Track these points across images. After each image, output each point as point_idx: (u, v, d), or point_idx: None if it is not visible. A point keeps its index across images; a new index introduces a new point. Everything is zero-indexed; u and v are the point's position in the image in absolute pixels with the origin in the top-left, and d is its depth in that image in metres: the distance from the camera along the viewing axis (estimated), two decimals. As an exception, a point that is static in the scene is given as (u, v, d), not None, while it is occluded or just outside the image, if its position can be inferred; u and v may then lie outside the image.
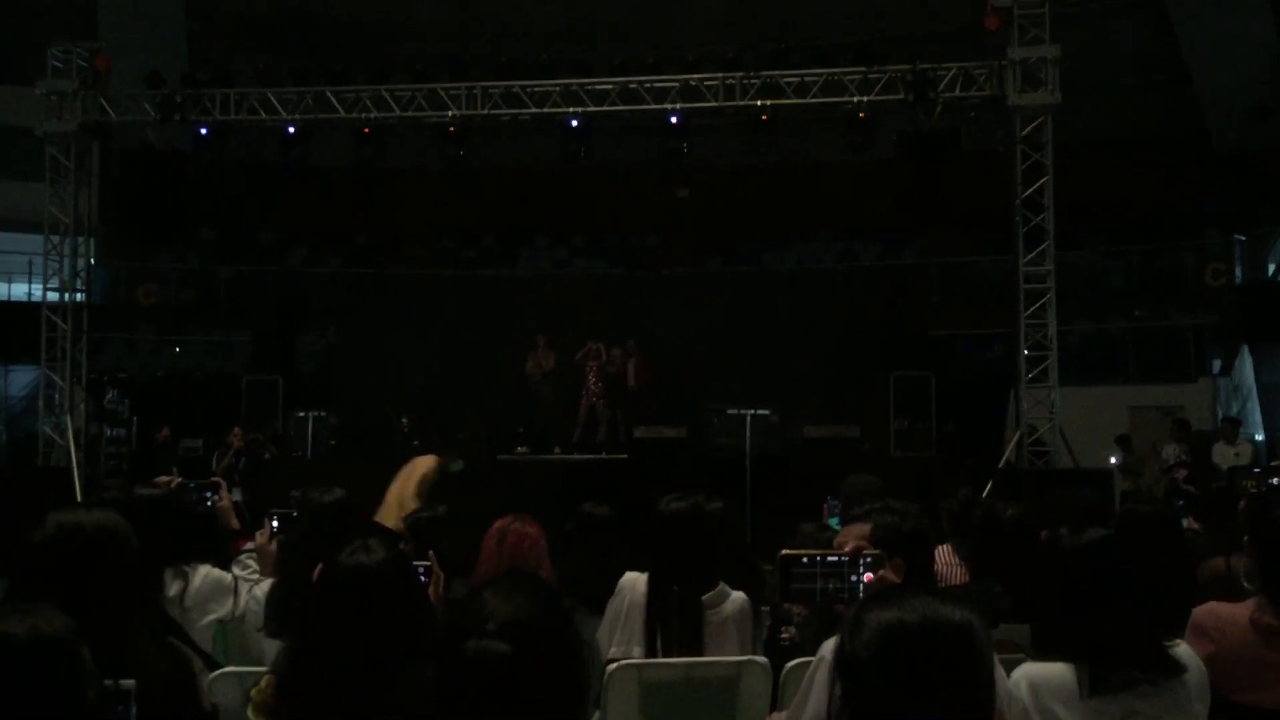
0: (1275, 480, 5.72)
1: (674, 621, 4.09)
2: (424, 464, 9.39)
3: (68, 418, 15.24)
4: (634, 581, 4.22)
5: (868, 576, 2.76)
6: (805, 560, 2.80)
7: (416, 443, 15.72)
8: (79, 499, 12.31)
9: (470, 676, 1.85)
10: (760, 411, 14.37)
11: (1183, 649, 2.95)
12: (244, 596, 4.32)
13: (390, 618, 2.39)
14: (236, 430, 14.37)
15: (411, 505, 8.56)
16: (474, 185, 20.31)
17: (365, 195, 20.91)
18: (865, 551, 2.80)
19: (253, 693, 2.40)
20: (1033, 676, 2.88)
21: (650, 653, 4.08)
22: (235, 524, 5.09)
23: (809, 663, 2.87)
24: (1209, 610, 3.43)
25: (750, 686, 3.99)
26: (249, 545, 4.78)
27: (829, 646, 2.90)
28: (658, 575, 4.19)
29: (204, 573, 4.31)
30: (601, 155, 16.84)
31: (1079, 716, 2.83)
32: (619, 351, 16.97)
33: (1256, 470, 6.38)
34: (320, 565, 2.62)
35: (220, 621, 4.32)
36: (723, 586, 4.20)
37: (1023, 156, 14.42)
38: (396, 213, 21.31)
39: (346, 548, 2.59)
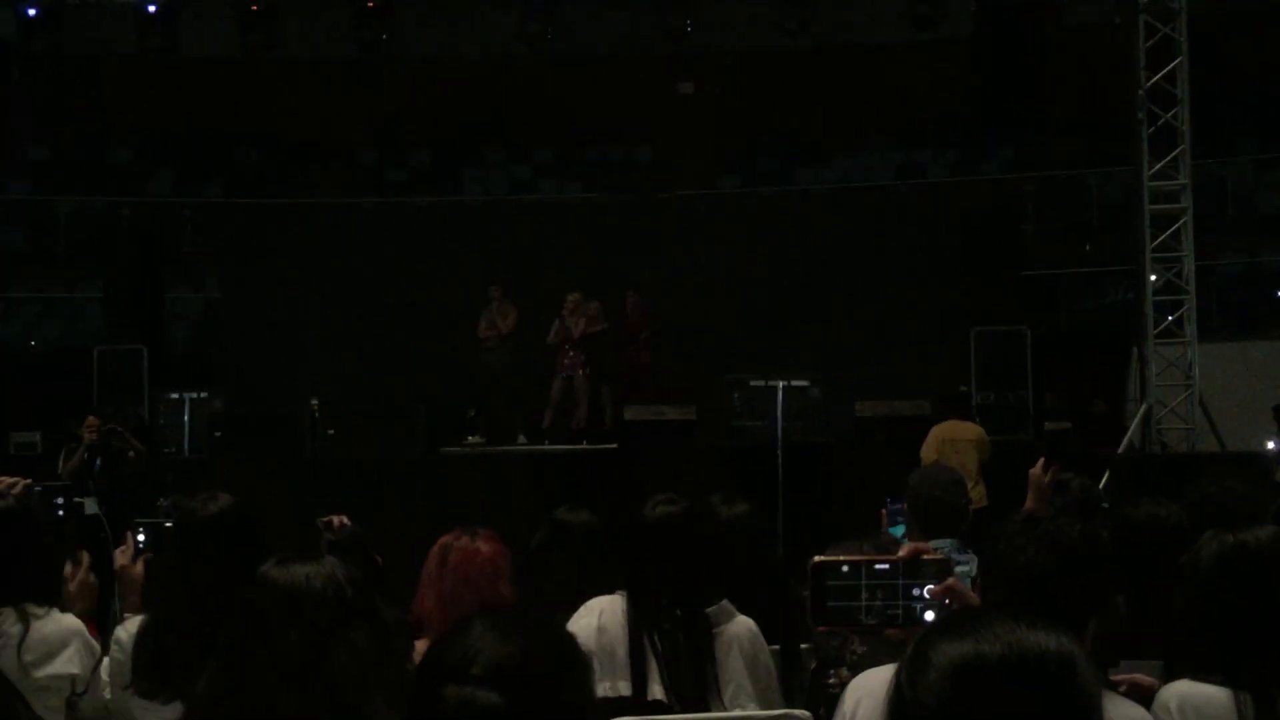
0: None
1: (671, 642, 4.20)
2: (975, 432, 12.48)
3: None
4: (610, 607, 4.30)
5: (929, 589, 2.80)
6: (845, 569, 2.84)
7: (331, 432, 15.77)
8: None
9: None
10: (796, 383, 14.38)
11: None
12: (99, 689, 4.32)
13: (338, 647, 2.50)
14: (90, 419, 14.38)
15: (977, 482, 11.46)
16: (402, 82, 20.21)
17: (254, 97, 20.81)
18: (925, 556, 2.84)
19: None
20: (1185, 697, 3.00)
21: (639, 689, 4.17)
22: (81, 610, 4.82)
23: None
24: None
25: (788, 747, 4.03)
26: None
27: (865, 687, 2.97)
28: (637, 590, 4.31)
29: (53, 618, 4.33)
30: (575, 38, 16.80)
31: None
32: (597, 304, 16.95)
33: None
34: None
35: (72, 682, 4.34)
36: (726, 604, 4.33)
37: (1147, 31, 14.37)
38: (296, 120, 21.22)
39: (272, 558, 2.67)
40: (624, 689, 4.19)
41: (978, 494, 11.38)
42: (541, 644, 1.96)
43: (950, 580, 2.81)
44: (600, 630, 4.26)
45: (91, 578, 4.51)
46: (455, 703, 1.88)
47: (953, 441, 12.33)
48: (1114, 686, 3.11)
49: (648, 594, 4.28)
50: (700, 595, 4.30)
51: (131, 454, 14.50)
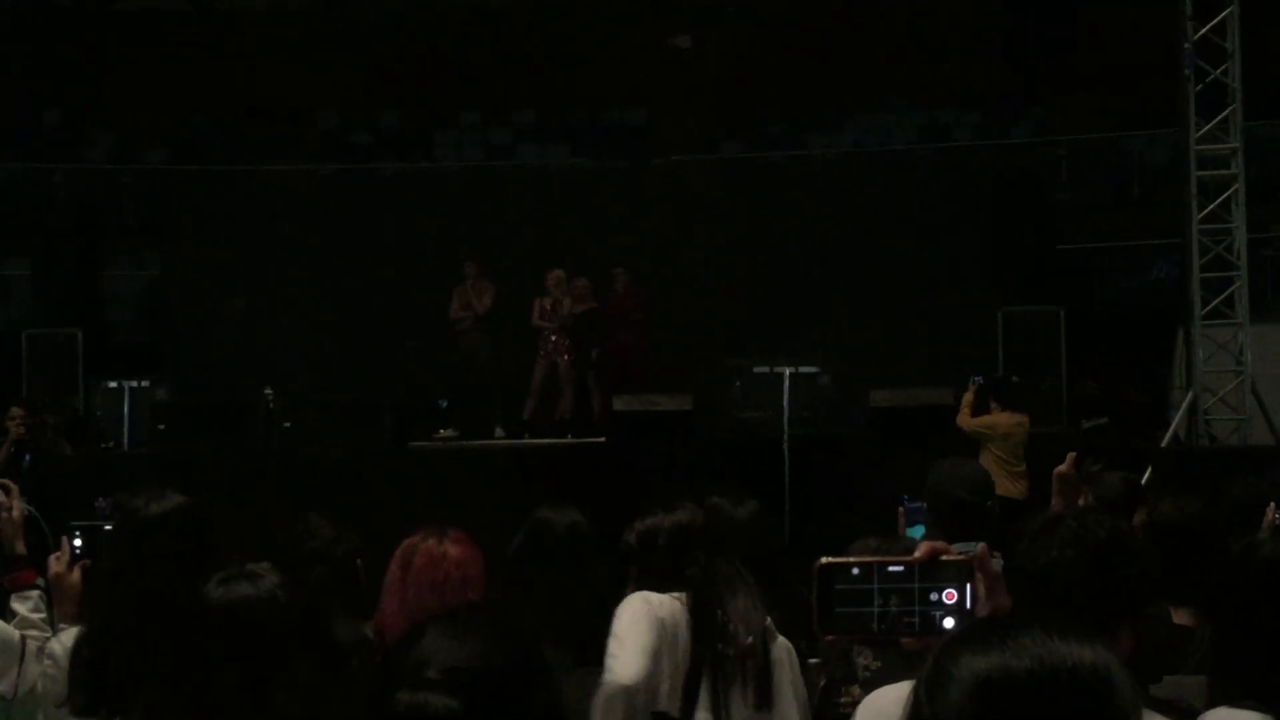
0: None
1: (730, 667, 4.22)
2: (1020, 423, 12.73)
3: None
4: (668, 606, 4.30)
5: (949, 594, 2.79)
6: (855, 571, 2.82)
7: (287, 424, 15.76)
8: None
9: None
10: (805, 369, 14.40)
11: None
12: (32, 666, 4.33)
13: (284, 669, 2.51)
14: (16, 410, 14.35)
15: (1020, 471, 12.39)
16: (366, 35, 20.16)
17: (202, 53, 20.75)
18: (945, 556, 2.82)
19: None
20: None
21: (690, 709, 4.19)
22: (19, 546, 5.08)
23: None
24: None
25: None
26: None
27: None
28: (701, 601, 4.30)
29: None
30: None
31: None
32: (584, 282, 16.91)
33: None
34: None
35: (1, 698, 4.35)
36: (768, 624, 4.36)
37: (1193, -21, 14.39)
38: (250, 80, 21.18)
39: (215, 575, 2.67)
40: (665, 702, 4.22)
41: (1022, 486, 12.10)
42: (501, 645, 1.96)
43: (976, 581, 2.76)
44: (660, 623, 4.25)
45: (74, 575, 4.49)
46: (407, 708, 1.88)
47: (1007, 438, 12.68)
48: (1154, 703, 3.10)
49: (712, 608, 4.27)
50: (766, 614, 4.31)
51: (67, 450, 14.47)
